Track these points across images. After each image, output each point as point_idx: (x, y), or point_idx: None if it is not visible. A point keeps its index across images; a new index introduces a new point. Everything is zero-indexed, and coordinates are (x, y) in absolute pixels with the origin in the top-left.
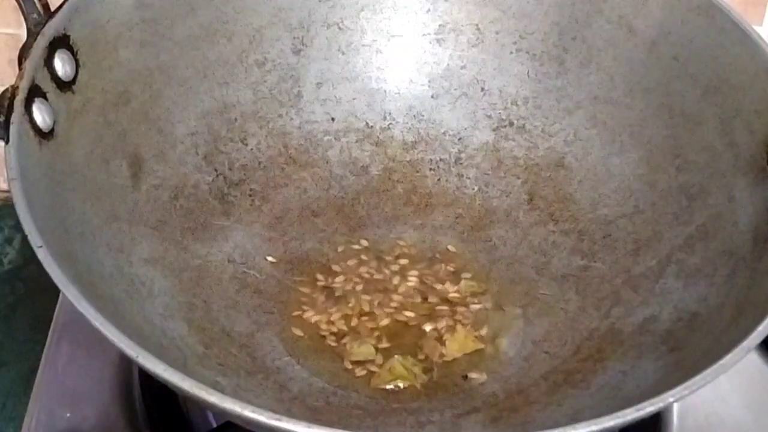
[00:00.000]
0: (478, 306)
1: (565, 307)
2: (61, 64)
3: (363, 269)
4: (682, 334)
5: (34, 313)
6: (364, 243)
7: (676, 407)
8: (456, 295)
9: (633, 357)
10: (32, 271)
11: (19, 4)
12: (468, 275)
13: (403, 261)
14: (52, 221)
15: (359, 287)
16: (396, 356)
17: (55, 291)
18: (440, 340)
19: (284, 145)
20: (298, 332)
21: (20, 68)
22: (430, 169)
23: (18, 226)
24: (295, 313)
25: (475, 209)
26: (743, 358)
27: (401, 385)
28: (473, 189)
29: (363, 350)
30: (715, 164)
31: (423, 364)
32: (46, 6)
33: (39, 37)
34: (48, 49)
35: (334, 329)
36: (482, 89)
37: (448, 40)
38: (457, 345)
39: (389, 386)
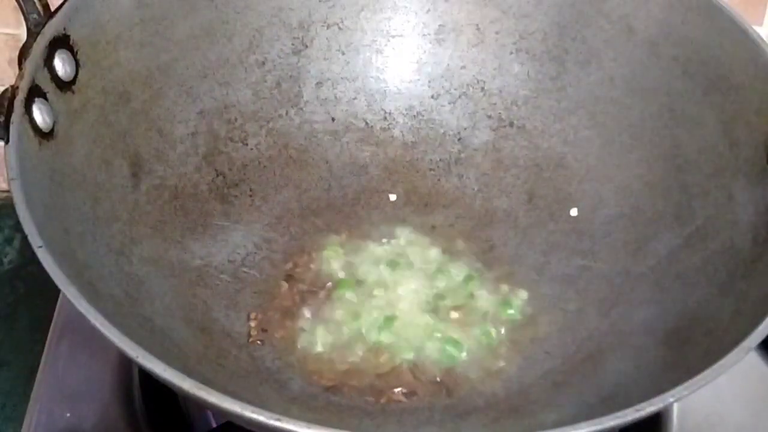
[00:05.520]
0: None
1: (565, 307)
2: (61, 64)
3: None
4: (682, 334)
5: (34, 313)
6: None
7: (676, 407)
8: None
9: (633, 357)
10: (32, 271)
11: (19, 4)
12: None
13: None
14: (52, 221)
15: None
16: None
17: (55, 291)
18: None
19: (284, 145)
20: (299, 331)
21: (20, 68)
22: (430, 169)
23: (18, 226)
24: (295, 313)
25: (475, 209)
26: (743, 358)
27: (404, 390)
28: (473, 189)
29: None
30: (715, 164)
31: (425, 371)
32: (46, 6)
33: (39, 37)
34: (48, 49)
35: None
36: (482, 89)
37: (448, 40)
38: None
39: (390, 391)
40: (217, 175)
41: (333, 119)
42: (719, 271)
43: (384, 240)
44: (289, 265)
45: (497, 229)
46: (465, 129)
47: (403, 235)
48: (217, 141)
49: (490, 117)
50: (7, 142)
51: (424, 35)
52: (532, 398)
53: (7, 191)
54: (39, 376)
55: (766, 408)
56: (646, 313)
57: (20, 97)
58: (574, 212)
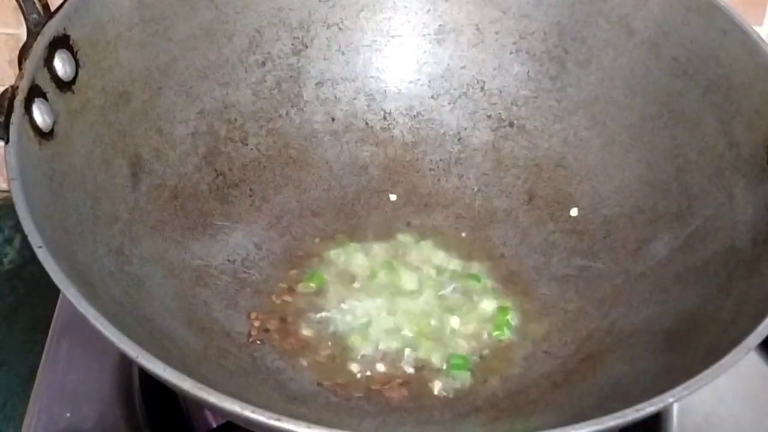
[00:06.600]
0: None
1: (565, 307)
2: (61, 64)
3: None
4: (682, 334)
5: (34, 313)
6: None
7: (676, 407)
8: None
9: (633, 357)
10: (32, 271)
11: (19, 4)
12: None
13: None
14: (52, 221)
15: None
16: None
17: (55, 291)
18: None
19: (284, 145)
20: (299, 332)
21: (20, 68)
22: (430, 169)
23: (18, 226)
24: (296, 313)
25: (475, 209)
26: (743, 358)
27: (404, 391)
28: (473, 189)
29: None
30: (715, 164)
31: (426, 369)
32: (46, 6)
33: (39, 37)
34: (48, 49)
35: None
36: (482, 89)
37: (448, 40)
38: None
39: (389, 391)
40: (217, 175)
41: (333, 119)
42: (719, 271)
43: (384, 240)
44: (289, 265)
45: (497, 229)
46: (465, 129)
47: (403, 235)
48: (217, 141)
49: (490, 117)
50: (7, 142)
51: (424, 35)
52: (531, 398)
53: (7, 191)
54: (39, 376)
55: (766, 408)
56: (646, 313)
57: (20, 97)
58: (574, 212)
